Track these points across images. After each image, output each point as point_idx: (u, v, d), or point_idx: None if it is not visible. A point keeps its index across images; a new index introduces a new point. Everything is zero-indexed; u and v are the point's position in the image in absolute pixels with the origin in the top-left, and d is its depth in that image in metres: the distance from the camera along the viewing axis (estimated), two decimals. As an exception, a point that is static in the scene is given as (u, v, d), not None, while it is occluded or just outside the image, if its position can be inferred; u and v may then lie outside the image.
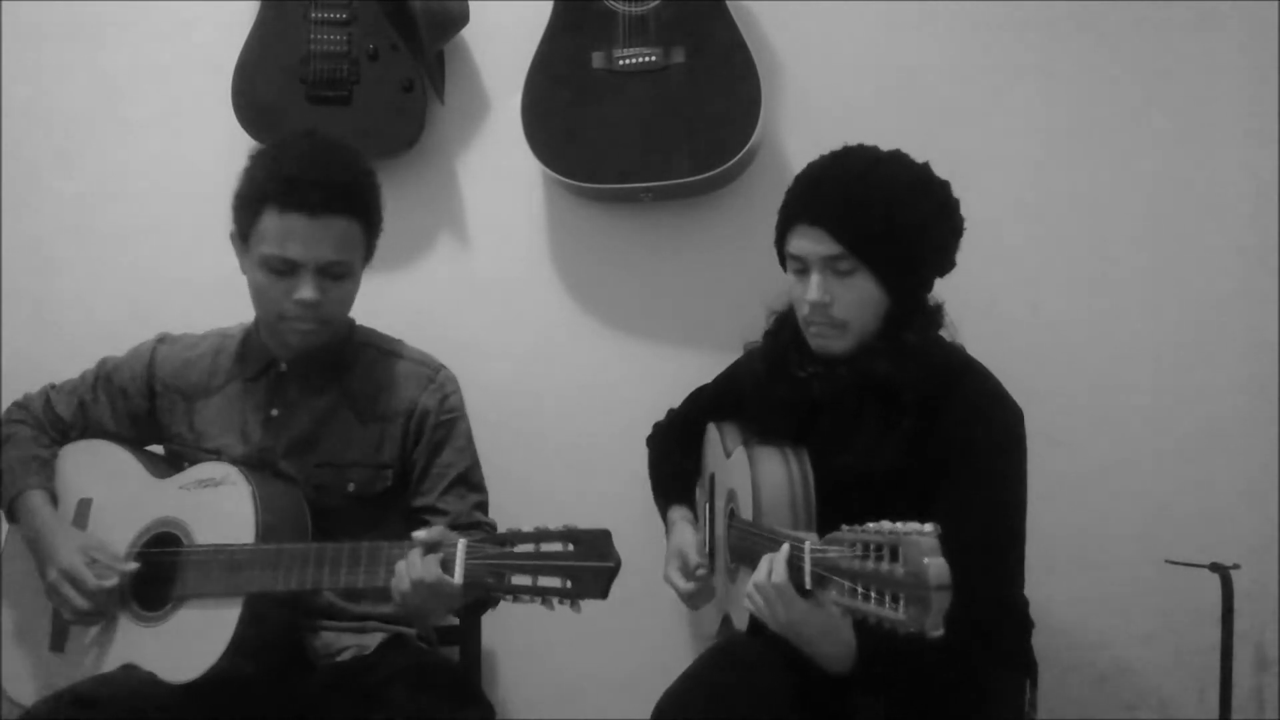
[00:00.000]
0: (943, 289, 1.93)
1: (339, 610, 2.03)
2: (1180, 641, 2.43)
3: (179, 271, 2.59)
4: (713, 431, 2.21)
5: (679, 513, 2.19)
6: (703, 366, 2.34)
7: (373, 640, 2.01)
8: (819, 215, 1.82)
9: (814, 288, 1.84)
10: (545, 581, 1.63)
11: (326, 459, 2.03)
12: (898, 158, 1.86)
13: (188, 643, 1.87)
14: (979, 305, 2.15)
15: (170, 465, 2.09)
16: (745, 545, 1.89)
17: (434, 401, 2.07)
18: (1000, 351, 1.98)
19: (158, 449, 2.17)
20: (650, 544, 2.20)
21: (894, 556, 1.37)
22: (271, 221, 1.91)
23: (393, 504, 2.05)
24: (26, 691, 1.99)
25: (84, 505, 2.06)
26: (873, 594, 1.39)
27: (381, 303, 2.25)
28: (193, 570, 1.91)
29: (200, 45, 2.61)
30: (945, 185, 1.87)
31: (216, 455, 2.04)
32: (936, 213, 1.86)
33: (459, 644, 2.29)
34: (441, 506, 2.04)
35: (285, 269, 1.92)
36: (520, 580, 1.64)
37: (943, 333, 1.93)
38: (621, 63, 2.40)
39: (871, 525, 1.44)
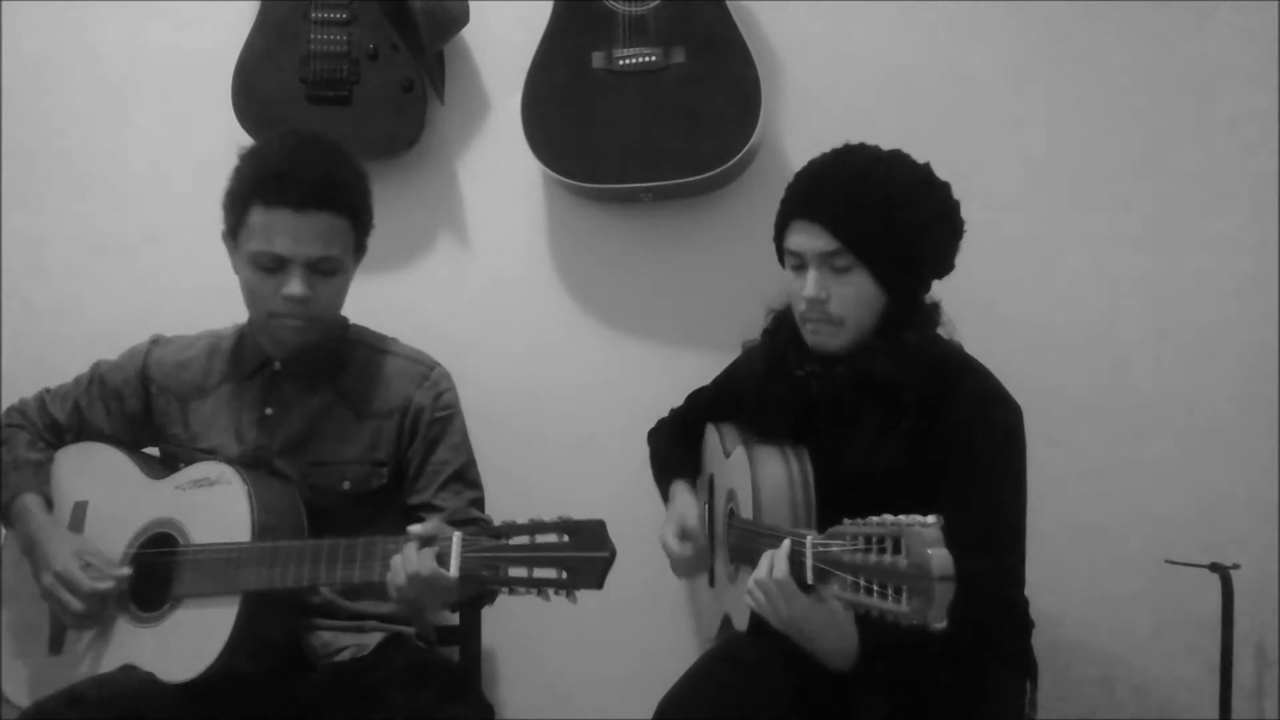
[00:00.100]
0: (943, 289, 1.94)
1: (337, 609, 2.02)
2: (1180, 641, 2.43)
3: (179, 272, 2.58)
4: (711, 432, 2.20)
5: (680, 485, 2.19)
6: (702, 366, 2.34)
7: (371, 640, 2.01)
8: (818, 211, 1.83)
9: (811, 283, 1.84)
10: (541, 573, 1.63)
11: (321, 457, 2.03)
12: (899, 158, 1.87)
13: (186, 642, 1.87)
14: (979, 305, 2.16)
15: (166, 466, 2.09)
16: (746, 544, 1.89)
17: (428, 399, 2.08)
18: (1000, 351, 1.98)
19: (153, 451, 2.17)
20: (650, 544, 2.19)
21: (896, 548, 1.37)
22: (259, 218, 1.91)
23: (388, 502, 2.05)
24: (26, 694, 1.98)
25: (80, 508, 2.06)
26: (875, 587, 1.39)
27: (382, 303, 2.25)
28: (189, 570, 1.91)
29: (200, 45, 2.60)
30: (946, 186, 1.87)
31: (211, 455, 2.04)
32: (936, 213, 1.86)
33: (459, 644, 2.29)
34: (437, 503, 2.04)
35: (273, 265, 1.92)
36: (516, 572, 1.64)
37: (940, 331, 1.94)
38: (621, 63, 2.40)
39: (874, 518, 1.43)
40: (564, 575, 1.62)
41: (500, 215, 2.61)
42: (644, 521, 2.21)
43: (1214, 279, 2.45)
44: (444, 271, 2.62)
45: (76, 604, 1.91)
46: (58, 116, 2.66)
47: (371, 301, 2.20)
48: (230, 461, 2.00)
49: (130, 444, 2.14)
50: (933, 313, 1.93)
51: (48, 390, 2.18)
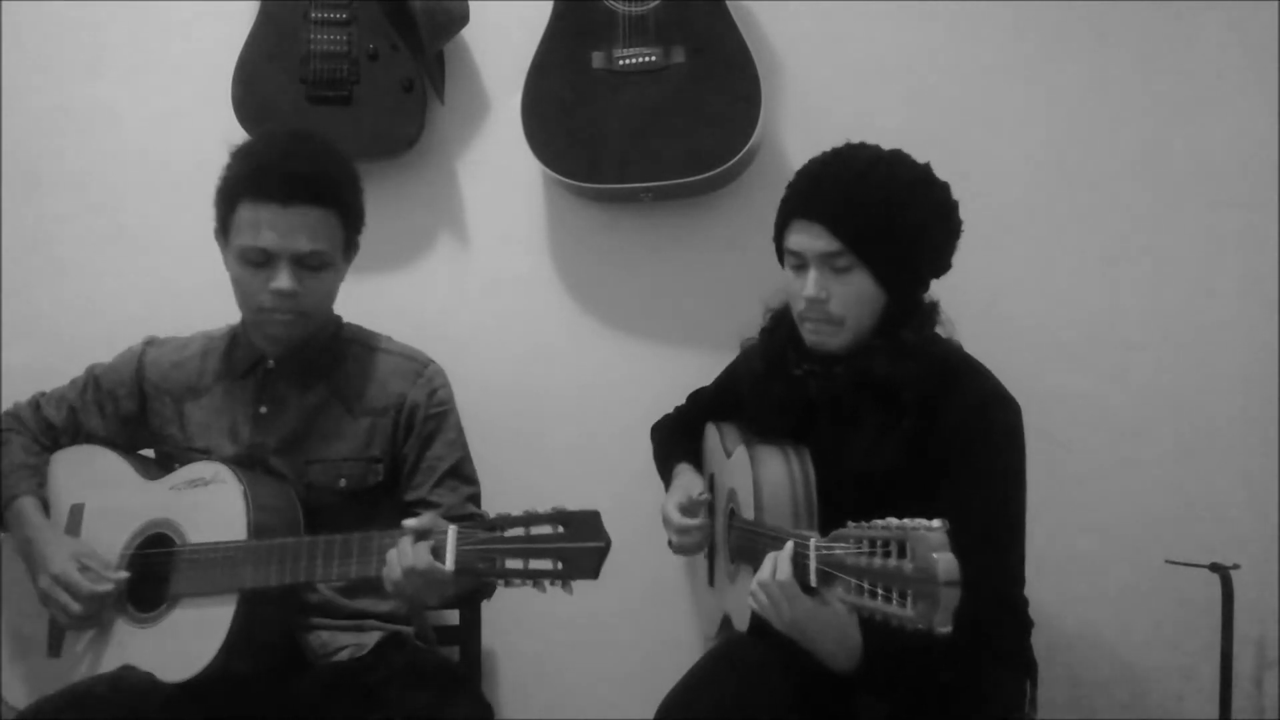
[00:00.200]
0: (943, 289, 1.94)
1: (335, 607, 2.02)
2: (1180, 641, 2.43)
3: (180, 273, 2.57)
4: (712, 432, 2.20)
5: (684, 465, 2.19)
6: (702, 366, 2.34)
7: (370, 639, 2.01)
8: (818, 211, 1.83)
9: (811, 283, 1.84)
10: (537, 564, 1.63)
11: (317, 455, 2.04)
12: (899, 157, 1.87)
13: (184, 641, 1.88)
14: (979, 305, 2.16)
15: (161, 468, 2.09)
16: (747, 544, 1.89)
17: (423, 395, 2.08)
18: (1000, 351, 1.98)
19: (149, 453, 2.17)
20: (650, 544, 2.19)
21: (902, 552, 1.37)
22: (247, 213, 1.92)
23: (384, 499, 2.05)
24: (24, 697, 1.99)
25: (76, 511, 2.06)
26: (880, 591, 1.39)
27: (382, 302, 2.25)
28: (186, 569, 1.92)
29: (200, 45, 2.60)
30: (945, 186, 1.87)
31: (206, 455, 2.04)
32: (936, 213, 1.87)
33: (459, 644, 2.29)
34: (433, 499, 2.04)
35: (261, 260, 1.93)
36: (512, 564, 1.64)
37: (939, 331, 1.94)
38: (621, 63, 2.39)
39: (878, 521, 1.43)
40: (560, 566, 1.62)
41: (500, 215, 2.61)
42: (644, 522, 2.20)
43: (1214, 279, 2.45)
44: (444, 271, 2.61)
45: (75, 606, 1.91)
46: (57, 116, 2.65)
47: (372, 301, 2.20)
48: (225, 461, 2.00)
49: (126, 446, 2.15)
50: (932, 312, 1.93)
51: (43, 394, 2.18)
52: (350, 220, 2.01)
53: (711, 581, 2.21)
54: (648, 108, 2.38)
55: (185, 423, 2.09)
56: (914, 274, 1.89)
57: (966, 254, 1.92)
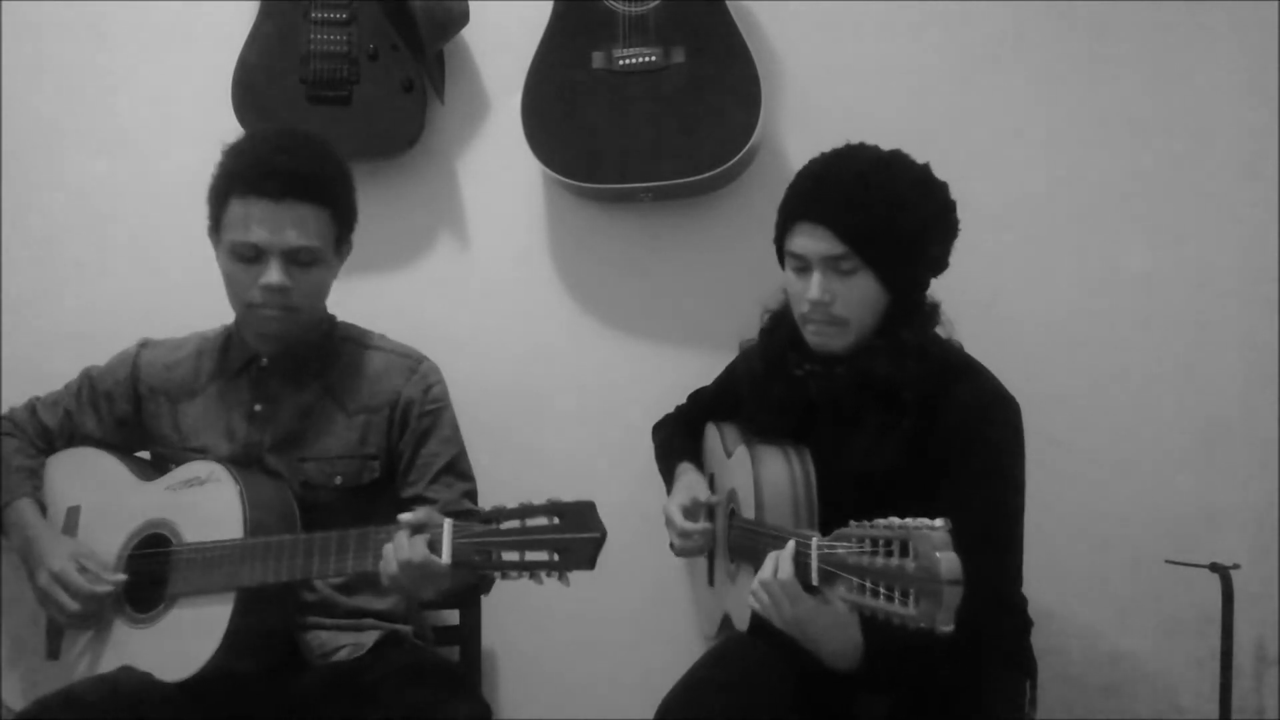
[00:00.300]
0: (943, 289, 1.94)
1: (334, 605, 2.02)
2: (1180, 641, 2.43)
3: (180, 274, 2.56)
4: (712, 432, 2.21)
5: (686, 464, 2.19)
6: (703, 366, 2.34)
7: (369, 639, 2.01)
8: (822, 214, 1.83)
9: (815, 286, 1.84)
10: (533, 556, 1.64)
11: (312, 453, 2.04)
12: (900, 158, 1.87)
13: (182, 641, 1.88)
14: (979, 305, 2.16)
15: (157, 469, 2.10)
16: (747, 544, 1.89)
17: (418, 391, 2.08)
18: (1000, 351, 1.99)
19: (145, 454, 2.17)
20: (651, 544, 2.19)
21: (904, 551, 1.37)
22: (238, 208, 1.93)
23: (380, 496, 2.05)
24: (22, 700, 1.99)
25: (73, 513, 2.07)
26: (882, 590, 1.39)
27: (382, 302, 2.25)
28: (183, 569, 1.92)
29: (200, 45, 2.60)
30: (944, 186, 1.88)
31: (203, 454, 2.04)
32: (936, 213, 1.87)
33: (459, 644, 2.29)
34: (430, 496, 2.04)
35: (252, 255, 1.93)
36: (508, 556, 1.65)
37: (939, 331, 1.94)
38: (621, 63, 2.39)
39: (880, 521, 1.44)
40: (556, 557, 1.63)
41: (500, 215, 2.61)
42: (644, 521, 2.20)
43: (1214, 279, 2.45)
44: (444, 271, 2.61)
45: (72, 605, 1.92)
46: (57, 117, 2.65)
47: (372, 301, 2.21)
48: (221, 460, 2.00)
49: (121, 448, 2.15)
50: (933, 313, 1.93)
51: (38, 398, 2.19)
52: (342, 217, 2.01)
53: (711, 581, 2.21)
54: (648, 108, 2.38)
55: (180, 423, 2.09)
56: (915, 274, 1.89)
57: (966, 254, 1.92)
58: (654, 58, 2.39)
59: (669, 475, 2.22)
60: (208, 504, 1.94)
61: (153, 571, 1.95)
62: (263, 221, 1.91)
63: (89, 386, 2.15)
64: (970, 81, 2.52)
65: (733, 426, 2.14)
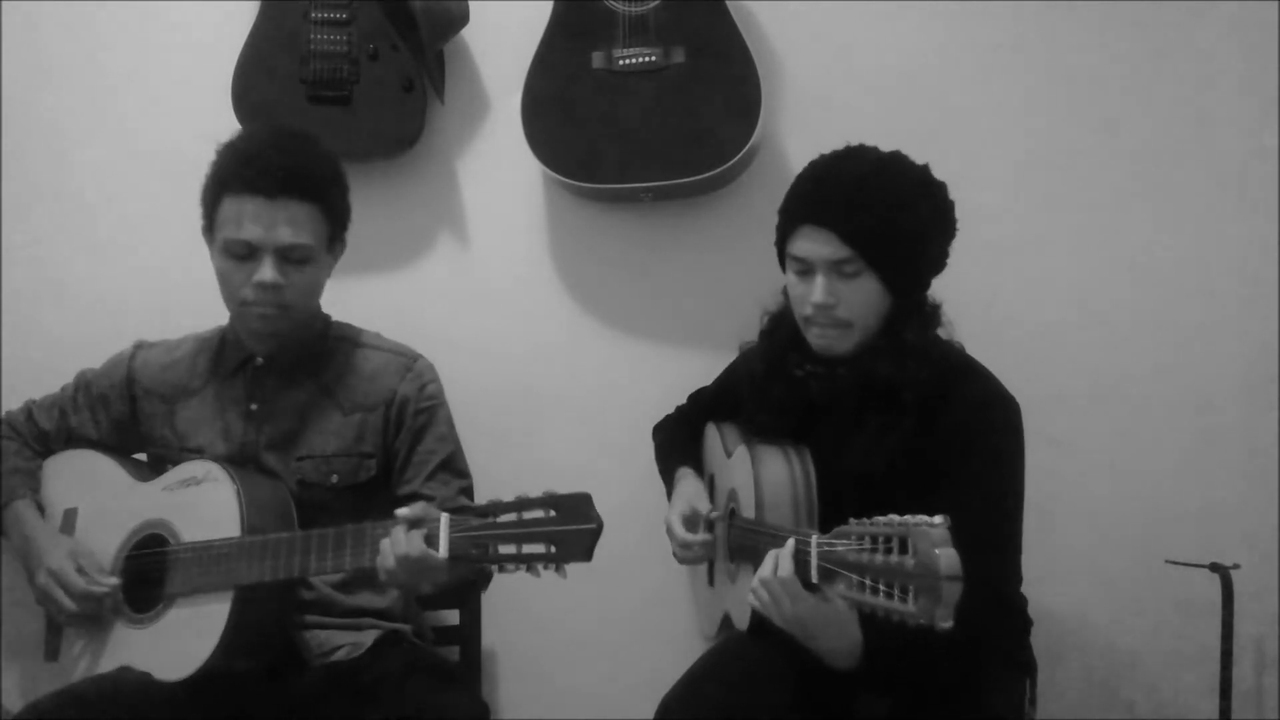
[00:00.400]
0: (943, 289, 1.94)
1: (333, 604, 2.02)
2: (1180, 641, 2.43)
3: (181, 275, 2.55)
4: (712, 432, 2.20)
5: (686, 470, 2.18)
6: (703, 367, 2.34)
7: (367, 638, 2.01)
8: (825, 217, 1.82)
9: (819, 289, 1.83)
10: (530, 549, 1.64)
11: (309, 452, 2.04)
12: (900, 159, 1.87)
13: (180, 640, 1.88)
14: (978, 305, 2.16)
15: (153, 470, 2.10)
16: (747, 543, 1.89)
17: (413, 389, 2.08)
18: (1000, 351, 1.99)
19: (142, 457, 2.17)
20: (651, 544, 2.19)
21: (903, 548, 1.37)
22: (231, 206, 1.94)
23: (377, 494, 2.05)
24: (22, 699, 1.99)
25: (70, 515, 2.07)
26: (881, 587, 1.40)
27: (382, 303, 2.25)
28: (181, 568, 1.92)
29: (200, 45, 2.60)
30: (943, 187, 1.88)
31: (199, 454, 2.04)
32: (936, 214, 1.87)
33: (459, 644, 2.29)
34: (426, 493, 2.04)
35: (245, 252, 1.93)
36: (505, 549, 1.65)
37: (940, 331, 1.94)
38: (621, 63, 2.39)
39: (879, 518, 1.44)
40: (553, 549, 1.63)
41: (500, 215, 2.61)
42: (645, 522, 2.21)
43: (1214, 279, 2.45)
44: (444, 271, 2.61)
45: (70, 604, 1.93)
46: (57, 117, 2.65)
47: (372, 301, 2.21)
48: (217, 459, 2.00)
49: (118, 449, 2.15)
50: (934, 314, 1.93)
51: (34, 401, 2.19)
52: (334, 215, 2.01)
53: (711, 581, 2.21)
54: (648, 108, 2.38)
55: (177, 423, 2.09)
56: (917, 275, 1.89)
57: (966, 254, 1.92)
58: (654, 58, 2.39)
59: (669, 477, 2.22)
60: (205, 504, 1.94)
61: (151, 572, 1.95)
62: (255, 219, 1.91)
63: (84, 389, 2.16)
64: (970, 81, 2.52)
65: (733, 427, 2.14)
